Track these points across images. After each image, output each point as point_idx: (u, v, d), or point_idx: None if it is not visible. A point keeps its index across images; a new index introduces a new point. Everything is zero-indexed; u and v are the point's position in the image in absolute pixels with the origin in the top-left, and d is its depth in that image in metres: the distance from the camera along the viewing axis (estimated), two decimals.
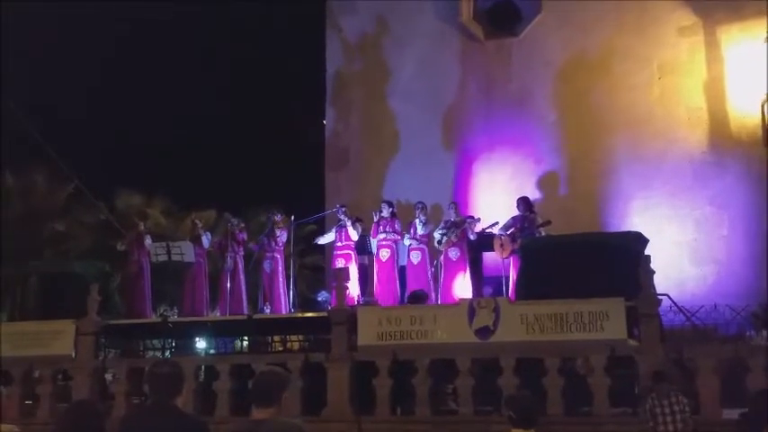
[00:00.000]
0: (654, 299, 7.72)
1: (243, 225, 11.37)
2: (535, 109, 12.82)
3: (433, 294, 10.41)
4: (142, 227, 11.51)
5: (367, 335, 8.35)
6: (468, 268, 10.41)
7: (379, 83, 13.85)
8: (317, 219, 12.99)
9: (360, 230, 10.85)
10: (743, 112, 11.81)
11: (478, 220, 10.69)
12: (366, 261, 11.28)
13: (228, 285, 10.64)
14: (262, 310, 10.76)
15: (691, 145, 12.03)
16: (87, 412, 3.03)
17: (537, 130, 12.74)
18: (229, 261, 10.77)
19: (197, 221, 11.67)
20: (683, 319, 9.46)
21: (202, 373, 9.41)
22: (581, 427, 7.45)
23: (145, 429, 3.16)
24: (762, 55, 11.47)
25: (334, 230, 11.00)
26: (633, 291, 7.70)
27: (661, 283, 8.23)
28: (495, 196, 12.36)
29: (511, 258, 10.16)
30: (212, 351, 11.38)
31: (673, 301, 9.21)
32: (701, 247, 11.70)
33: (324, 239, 11.30)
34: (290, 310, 10.74)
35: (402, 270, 10.74)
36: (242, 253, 11.04)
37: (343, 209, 10.91)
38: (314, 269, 19.93)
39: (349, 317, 8.47)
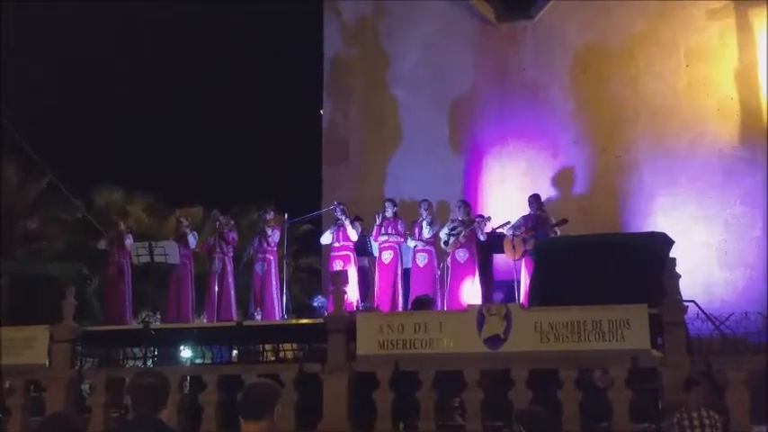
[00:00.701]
0: (680, 305, 7.71)
1: (232, 223, 11.39)
2: (551, 98, 12.82)
3: (438, 300, 10.42)
4: (123, 225, 11.53)
5: (367, 343, 8.35)
6: (477, 271, 10.42)
7: (380, 70, 13.85)
8: (312, 217, 13.00)
9: (359, 230, 10.87)
10: None
11: (489, 218, 10.69)
12: (366, 263, 11.29)
13: (216, 289, 10.66)
14: (252, 317, 10.77)
15: (720, 138, 12.02)
16: (62, 427, 3.04)
17: (553, 122, 12.74)
18: (217, 263, 10.79)
19: (182, 219, 11.69)
20: (712, 328, 9.45)
21: (188, 385, 9.42)
22: None
23: None
24: None
25: (330, 230, 11.01)
26: (657, 297, 7.69)
27: (687, 288, 8.23)
28: (507, 193, 12.37)
29: (523, 261, 10.17)
30: (199, 360, 11.40)
31: (700, 308, 9.21)
32: (731, 250, 11.69)
33: (326, 238, 11.27)
34: (283, 316, 10.76)
35: (406, 273, 10.75)
36: (231, 254, 11.06)
37: (341, 206, 10.92)
38: (309, 272, 19.97)
39: (347, 324, 8.47)
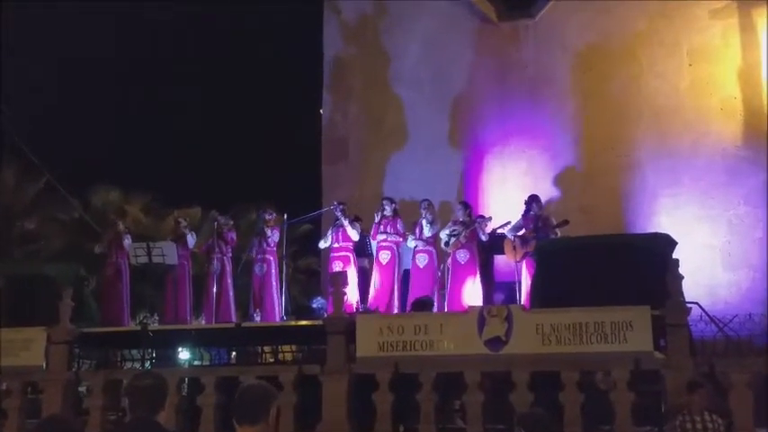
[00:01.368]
0: (683, 307, 7.70)
1: (231, 223, 11.38)
2: (553, 98, 12.82)
3: (439, 301, 10.41)
4: (121, 226, 11.51)
5: (366, 345, 8.34)
6: (478, 272, 10.40)
7: (380, 69, 13.85)
8: (312, 218, 12.99)
9: (359, 230, 10.85)
10: None
11: (490, 219, 10.69)
12: (366, 264, 11.27)
13: (215, 290, 10.64)
14: (251, 318, 10.76)
15: (724, 138, 12.02)
16: (59, 429, 3.03)
17: (554, 121, 12.74)
18: (216, 263, 10.77)
19: (180, 220, 11.67)
20: (715, 330, 9.45)
21: (186, 387, 9.41)
22: None
23: None
24: None
25: (330, 231, 10.99)
26: (660, 298, 7.69)
27: (690, 289, 8.22)
28: (508, 193, 12.37)
29: (524, 262, 10.14)
30: (197, 362, 11.39)
31: (703, 310, 9.20)
32: (734, 251, 11.69)
33: (325, 242, 11.25)
34: (282, 317, 10.75)
35: (406, 275, 10.73)
36: (230, 254, 11.04)
37: (341, 206, 10.91)
38: (308, 273, 19.97)
39: (347, 325, 8.46)
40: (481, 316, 8.10)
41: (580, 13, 12.88)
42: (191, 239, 11.19)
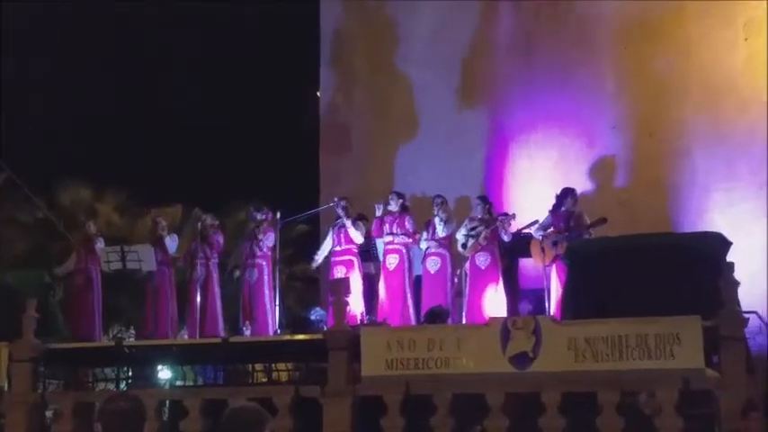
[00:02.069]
0: (739, 317, 7.70)
1: (217, 224, 11.42)
2: (588, 78, 12.81)
3: (455, 312, 10.41)
4: (93, 227, 11.56)
5: (373, 363, 8.37)
6: (500, 279, 10.42)
7: (387, 45, 13.86)
8: (309, 216, 13.02)
9: (363, 231, 10.87)
10: None
11: (513, 216, 10.68)
12: (372, 269, 11.30)
13: (199, 300, 10.68)
14: (241, 332, 10.80)
15: None
16: None
17: (589, 105, 12.73)
18: (200, 269, 10.81)
19: (159, 220, 11.72)
20: None
21: (167, 411, 9.45)
22: None
23: None
24: None
25: (330, 232, 11.01)
26: (712, 307, 7.69)
27: (747, 297, 8.22)
28: (536, 187, 12.35)
29: (554, 266, 10.15)
30: (180, 383, 11.44)
31: (763, 321, 9.19)
32: None
33: (322, 252, 11.22)
34: (276, 331, 10.78)
35: (417, 281, 10.74)
36: (216, 259, 11.08)
37: (343, 203, 10.92)
38: (306, 280, 19.96)
39: (350, 340, 8.50)
40: (505, 329, 8.12)
41: None
42: (171, 242, 11.23)
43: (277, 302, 10.92)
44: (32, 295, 9.76)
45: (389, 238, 10.67)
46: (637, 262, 8.47)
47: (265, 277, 10.87)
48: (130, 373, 10.80)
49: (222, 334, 10.96)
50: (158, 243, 11.10)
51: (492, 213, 10.69)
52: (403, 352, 8.30)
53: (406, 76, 13.71)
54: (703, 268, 8.14)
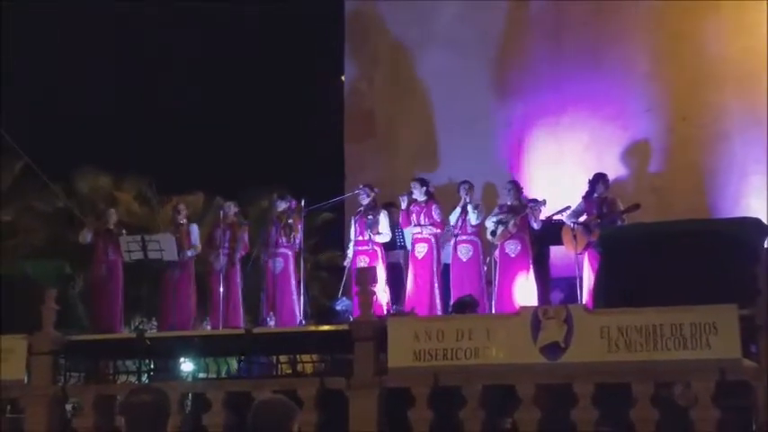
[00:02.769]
0: None
1: (245, 223, 11.39)
2: (620, 58, 12.70)
3: (485, 301, 10.41)
4: (115, 217, 11.64)
5: (400, 354, 8.38)
6: (531, 267, 10.40)
7: (412, 26, 13.82)
8: (333, 204, 13.05)
9: (391, 220, 10.89)
10: None
11: (544, 203, 10.64)
12: (398, 259, 11.30)
13: (222, 290, 10.74)
14: (264, 323, 10.85)
15: None
16: None
17: (622, 86, 12.63)
18: (222, 259, 10.86)
19: (180, 208, 11.78)
20: None
21: (189, 404, 9.52)
22: None
23: None
24: None
25: (353, 221, 11.02)
26: (750, 295, 7.62)
27: None
28: (566, 172, 12.30)
29: (586, 254, 10.14)
30: (202, 375, 11.53)
31: None
32: None
33: (349, 257, 11.14)
34: (300, 322, 10.83)
35: (446, 270, 10.73)
36: (240, 253, 11.09)
37: (367, 189, 10.93)
38: (330, 269, 20.00)
39: (377, 331, 8.51)
40: (536, 318, 8.11)
41: None
42: (193, 232, 11.29)
43: (302, 292, 10.96)
44: (52, 286, 9.84)
45: (417, 230, 10.67)
46: (671, 249, 8.42)
47: (291, 267, 10.90)
48: (152, 365, 10.88)
49: (244, 325, 11.03)
50: (180, 232, 11.16)
51: (521, 200, 10.65)
52: (431, 342, 8.31)
53: (432, 58, 13.66)
54: (740, 255, 8.10)
